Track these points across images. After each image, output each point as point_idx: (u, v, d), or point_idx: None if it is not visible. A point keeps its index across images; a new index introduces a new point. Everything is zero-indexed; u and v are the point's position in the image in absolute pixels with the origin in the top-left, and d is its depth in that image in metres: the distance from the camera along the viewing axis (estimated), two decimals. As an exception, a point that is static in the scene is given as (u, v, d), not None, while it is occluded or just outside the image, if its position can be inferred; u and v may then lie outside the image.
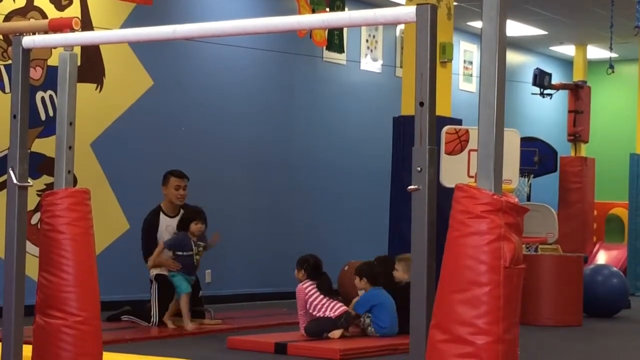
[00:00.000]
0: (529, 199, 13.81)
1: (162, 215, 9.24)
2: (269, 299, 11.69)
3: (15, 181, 4.36)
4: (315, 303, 8.02)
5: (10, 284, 4.34)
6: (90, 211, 4.31)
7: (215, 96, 11.45)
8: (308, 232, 12.52)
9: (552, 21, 14.87)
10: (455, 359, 3.20)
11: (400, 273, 8.53)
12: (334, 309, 7.97)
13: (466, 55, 15.64)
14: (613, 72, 13.71)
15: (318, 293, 8.05)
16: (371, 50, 13.63)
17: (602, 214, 16.15)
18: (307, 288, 8.07)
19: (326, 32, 10.93)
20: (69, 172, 4.31)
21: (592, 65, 17.15)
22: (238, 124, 11.70)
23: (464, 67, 15.59)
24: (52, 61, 9.54)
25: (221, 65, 11.52)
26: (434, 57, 3.47)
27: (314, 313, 8.00)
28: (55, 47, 7.31)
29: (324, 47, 11.60)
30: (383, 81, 13.69)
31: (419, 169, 3.43)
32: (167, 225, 9.21)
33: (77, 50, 4.60)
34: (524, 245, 10.91)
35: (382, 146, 11.98)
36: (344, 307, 8.05)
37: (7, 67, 9.27)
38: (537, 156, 13.76)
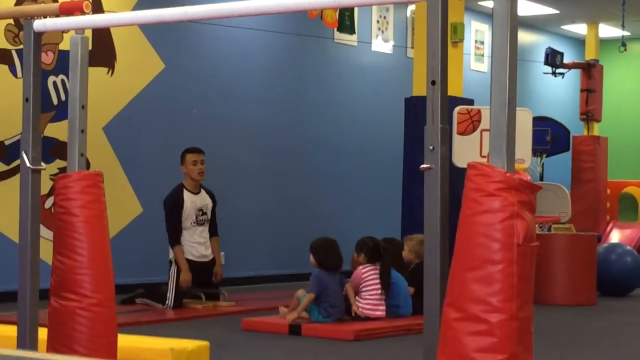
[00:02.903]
0: (541, 179, 13.79)
1: (185, 192, 9.26)
2: (283, 281, 11.71)
3: (28, 164, 4.37)
4: (364, 293, 7.84)
5: (24, 267, 4.35)
6: (103, 194, 4.31)
7: (226, 78, 11.44)
8: (321, 214, 12.52)
9: (563, 0, 14.81)
10: (470, 336, 3.20)
11: (405, 253, 8.47)
12: (374, 308, 7.82)
13: (477, 35, 15.59)
14: (625, 50, 13.67)
15: (375, 282, 7.84)
16: (382, 31, 13.59)
17: (615, 193, 16.11)
18: (365, 273, 7.86)
19: (337, 13, 10.91)
20: (82, 155, 4.31)
21: (604, 43, 17.06)
22: (249, 105, 11.70)
23: (476, 47, 15.55)
24: (64, 45, 9.55)
25: (232, 47, 11.51)
26: (445, 36, 3.46)
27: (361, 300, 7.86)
28: (66, 31, 7.32)
29: (335, 29, 11.58)
30: (394, 62, 13.66)
31: (431, 147, 3.43)
32: (192, 202, 9.23)
33: (89, 34, 4.59)
34: (537, 225, 10.91)
35: (394, 127, 11.98)
36: (382, 313, 7.82)
37: (19, 52, 9.28)
38: (549, 135, 13.73)
